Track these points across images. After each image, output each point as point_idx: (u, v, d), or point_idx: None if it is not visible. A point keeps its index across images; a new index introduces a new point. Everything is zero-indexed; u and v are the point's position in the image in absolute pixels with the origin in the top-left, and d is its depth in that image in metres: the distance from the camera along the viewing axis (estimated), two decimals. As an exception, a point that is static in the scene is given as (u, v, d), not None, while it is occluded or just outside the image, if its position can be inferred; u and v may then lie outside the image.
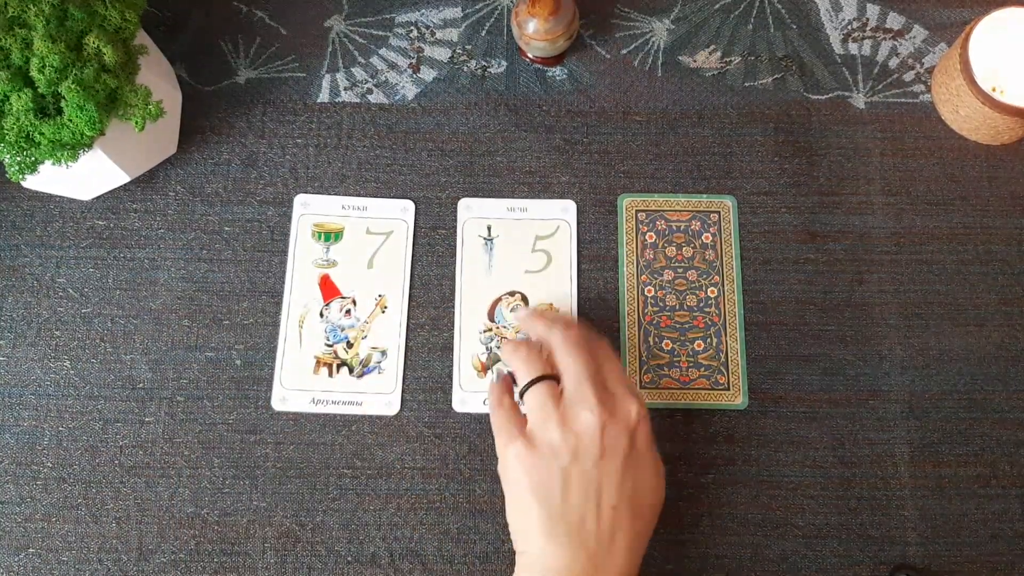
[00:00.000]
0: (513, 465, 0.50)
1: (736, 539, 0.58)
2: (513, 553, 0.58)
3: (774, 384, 0.60)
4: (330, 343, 0.61)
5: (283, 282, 0.62)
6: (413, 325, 0.61)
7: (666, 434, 0.59)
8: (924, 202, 0.63)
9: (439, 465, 0.59)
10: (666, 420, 0.60)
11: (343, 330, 0.61)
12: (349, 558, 0.58)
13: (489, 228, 0.63)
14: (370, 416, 0.59)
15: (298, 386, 0.60)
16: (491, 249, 0.62)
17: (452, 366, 0.60)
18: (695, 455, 0.59)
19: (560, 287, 0.61)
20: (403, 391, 0.60)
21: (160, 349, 0.61)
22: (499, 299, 0.61)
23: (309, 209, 0.63)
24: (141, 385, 0.60)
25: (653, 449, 0.51)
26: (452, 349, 0.61)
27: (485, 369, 0.60)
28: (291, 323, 0.61)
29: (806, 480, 0.59)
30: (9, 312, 0.61)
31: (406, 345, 0.61)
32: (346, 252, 0.62)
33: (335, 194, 0.63)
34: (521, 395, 0.52)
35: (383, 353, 0.60)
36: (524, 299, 0.61)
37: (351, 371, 0.60)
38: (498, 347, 0.60)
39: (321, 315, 0.61)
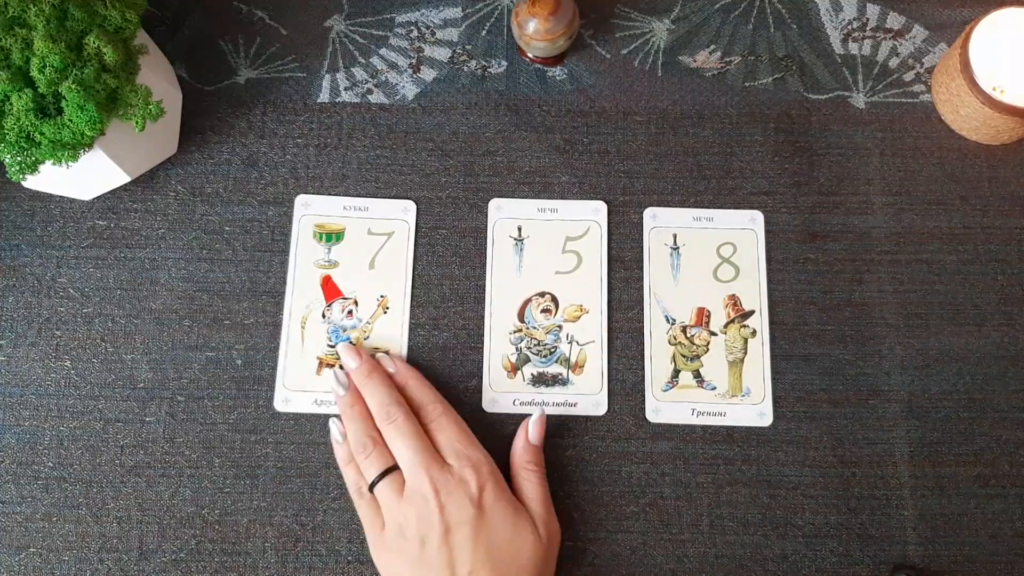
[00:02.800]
0: (377, 559, 0.54)
1: (736, 539, 0.58)
2: (513, 553, 0.58)
3: (773, 384, 0.60)
4: (332, 344, 0.61)
5: (284, 282, 0.62)
6: (414, 325, 0.61)
7: (664, 434, 0.59)
8: (924, 202, 0.63)
9: (439, 465, 0.59)
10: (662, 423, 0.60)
11: (345, 331, 0.61)
12: (350, 558, 0.58)
13: (519, 229, 0.63)
14: None
15: (301, 387, 0.60)
16: (521, 250, 0.62)
17: (482, 365, 0.60)
18: (693, 455, 0.59)
19: (590, 288, 0.61)
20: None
21: (161, 349, 0.61)
22: (529, 300, 0.61)
23: (310, 210, 0.63)
24: (142, 385, 0.60)
25: (505, 501, 0.53)
26: (481, 348, 0.61)
27: (515, 369, 0.60)
28: (293, 324, 0.61)
29: (805, 480, 0.59)
30: (10, 312, 0.61)
31: (408, 345, 0.61)
32: (348, 253, 0.62)
33: (335, 194, 0.63)
34: (371, 490, 0.55)
35: (385, 354, 0.60)
36: (554, 300, 0.61)
37: None
38: (528, 348, 0.60)
39: (323, 316, 0.61)
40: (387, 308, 0.61)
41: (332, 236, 0.62)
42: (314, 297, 0.61)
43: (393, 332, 0.61)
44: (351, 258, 0.62)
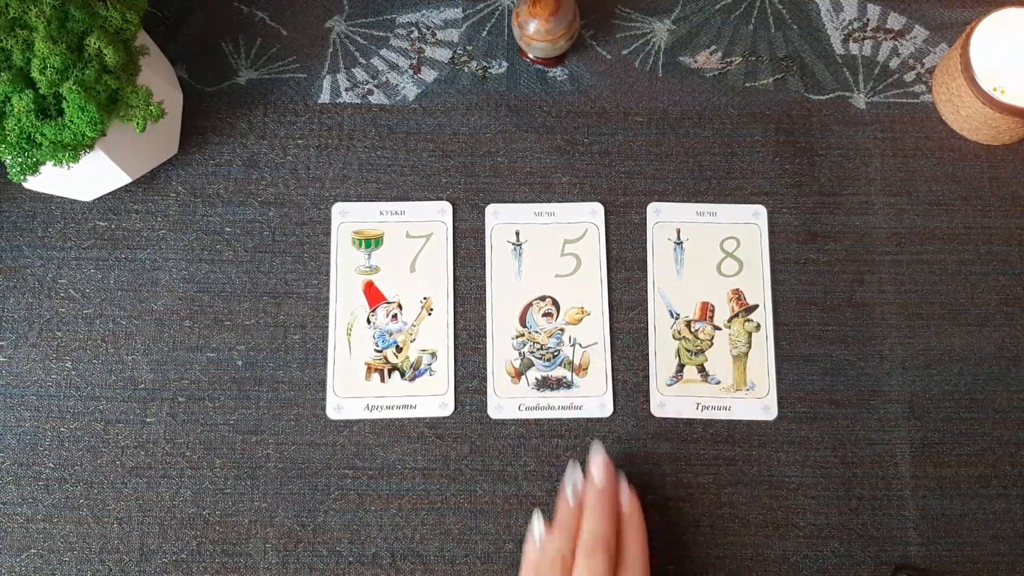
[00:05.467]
0: None
1: (737, 539, 0.58)
2: (513, 554, 0.58)
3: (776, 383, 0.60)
4: (379, 348, 0.61)
5: (284, 283, 0.62)
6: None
7: (666, 435, 0.59)
8: (925, 202, 0.63)
9: (440, 465, 0.59)
10: (667, 420, 0.60)
11: (391, 335, 0.61)
12: (351, 559, 0.58)
13: (517, 233, 0.63)
14: (426, 419, 0.60)
15: (351, 394, 0.60)
16: (520, 254, 0.62)
17: (485, 369, 0.60)
18: (695, 455, 0.59)
19: (591, 290, 0.62)
20: (456, 391, 0.60)
21: (161, 350, 0.61)
22: (530, 304, 0.61)
23: (348, 217, 0.63)
24: (143, 386, 0.60)
25: None
26: (483, 349, 0.61)
27: (519, 375, 0.60)
28: (339, 331, 0.61)
29: (807, 480, 0.59)
30: (10, 313, 0.62)
31: (455, 345, 0.61)
32: (388, 257, 0.62)
33: (335, 195, 0.63)
34: None
35: (433, 355, 0.61)
36: (555, 303, 0.61)
37: (403, 375, 0.60)
38: (531, 352, 0.60)
39: (368, 321, 0.61)
40: (431, 310, 0.61)
41: (371, 242, 0.62)
42: (358, 303, 0.62)
43: (439, 333, 0.61)
44: (392, 262, 0.62)
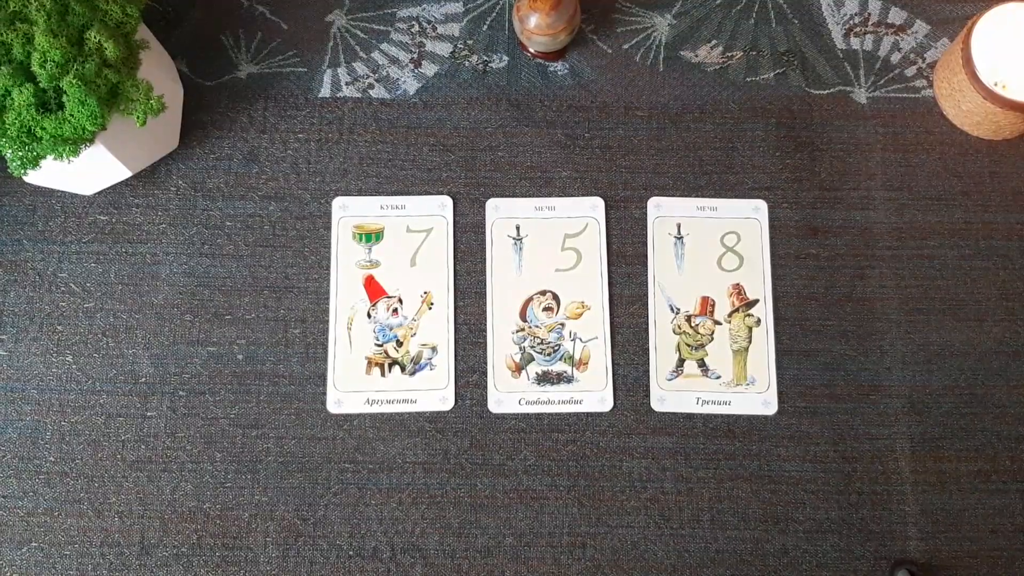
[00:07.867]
0: None
1: (736, 533, 0.58)
2: (513, 548, 0.58)
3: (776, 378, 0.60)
4: (380, 343, 0.61)
5: (285, 277, 0.62)
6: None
7: (666, 429, 0.59)
8: (925, 197, 0.63)
9: (440, 460, 0.59)
10: (666, 415, 0.60)
11: (392, 329, 0.61)
12: (351, 552, 0.58)
13: (518, 228, 0.63)
14: (426, 413, 0.60)
15: (352, 388, 0.60)
16: (520, 249, 0.62)
17: (486, 363, 0.61)
18: (695, 450, 0.59)
19: (591, 284, 0.62)
20: (456, 385, 0.60)
21: (162, 344, 0.61)
22: (530, 298, 0.61)
23: (348, 211, 0.63)
24: (143, 380, 0.60)
25: None
26: (483, 343, 0.61)
27: (519, 369, 0.60)
28: (339, 326, 0.61)
29: (807, 475, 0.59)
30: (11, 307, 0.62)
31: (455, 339, 0.61)
32: (388, 251, 0.62)
33: (335, 189, 0.63)
34: None
35: (433, 349, 0.61)
36: (556, 298, 0.61)
37: (403, 369, 0.60)
38: (532, 347, 0.60)
39: (369, 315, 0.61)
40: (432, 304, 0.61)
41: (371, 236, 0.62)
42: (358, 297, 0.62)
43: (440, 327, 0.61)
44: (392, 256, 0.62)
